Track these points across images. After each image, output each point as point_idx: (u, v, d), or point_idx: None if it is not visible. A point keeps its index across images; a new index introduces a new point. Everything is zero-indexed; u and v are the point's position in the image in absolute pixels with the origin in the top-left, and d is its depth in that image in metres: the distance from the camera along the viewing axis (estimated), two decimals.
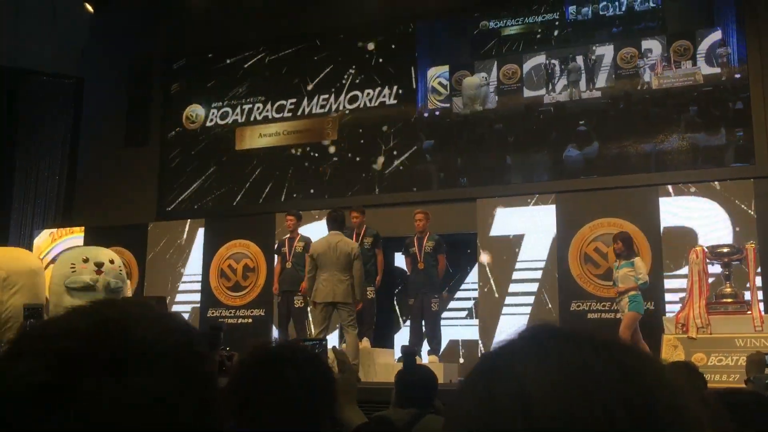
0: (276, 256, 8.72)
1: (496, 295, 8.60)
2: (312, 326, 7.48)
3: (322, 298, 7.09)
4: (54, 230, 11.19)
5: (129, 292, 6.70)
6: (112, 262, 6.17)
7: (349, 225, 8.32)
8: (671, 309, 7.61)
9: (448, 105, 10.17)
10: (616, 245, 7.28)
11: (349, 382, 1.76)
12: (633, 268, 7.12)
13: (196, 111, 11.66)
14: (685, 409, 0.56)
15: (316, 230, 9.14)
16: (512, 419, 0.54)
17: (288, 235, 8.58)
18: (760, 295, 6.97)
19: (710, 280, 6.99)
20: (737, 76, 8.91)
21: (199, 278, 10.10)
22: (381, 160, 10.29)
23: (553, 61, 9.75)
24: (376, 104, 10.54)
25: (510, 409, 0.55)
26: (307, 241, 8.47)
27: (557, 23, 9.86)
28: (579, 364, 0.56)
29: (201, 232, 10.20)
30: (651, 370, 0.58)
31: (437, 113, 10.25)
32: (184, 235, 10.34)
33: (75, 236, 10.84)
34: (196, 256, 10.19)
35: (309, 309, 7.79)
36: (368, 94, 10.60)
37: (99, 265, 6.04)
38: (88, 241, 10.19)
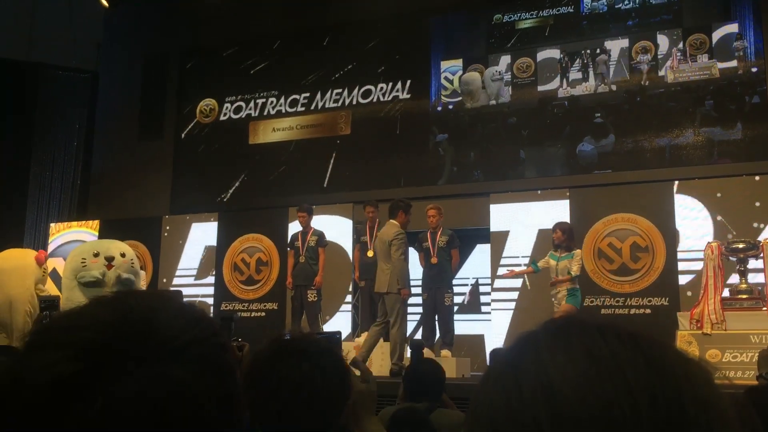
0: (289, 249, 8.74)
1: (507, 291, 8.57)
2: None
3: (375, 288, 7.37)
4: (59, 224, 11.28)
5: (142, 285, 6.74)
6: (123, 255, 6.18)
7: (364, 218, 8.37)
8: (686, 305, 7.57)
9: (454, 100, 10.16)
10: (556, 235, 7.21)
11: (371, 394, 1.76)
12: (571, 260, 7.07)
13: (209, 105, 11.70)
14: (712, 403, 0.56)
15: (329, 224, 9.16)
16: (537, 409, 0.54)
17: (301, 229, 8.59)
18: None
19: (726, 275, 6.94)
20: (754, 70, 8.83)
21: (213, 271, 10.14)
22: (394, 154, 10.28)
23: (566, 55, 9.69)
24: (390, 98, 10.53)
25: (534, 400, 0.55)
26: (320, 235, 8.48)
27: (572, 16, 9.80)
28: (604, 354, 0.56)
29: (214, 225, 10.23)
30: (678, 362, 0.57)
31: (450, 107, 10.22)
32: (198, 229, 10.38)
33: (73, 230, 10.96)
34: (210, 250, 10.23)
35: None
36: (381, 88, 10.59)
37: (109, 260, 6.06)
38: (103, 234, 10.26)
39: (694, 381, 0.56)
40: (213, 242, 10.19)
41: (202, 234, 10.29)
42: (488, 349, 8.76)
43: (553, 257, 7.25)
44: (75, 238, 10.82)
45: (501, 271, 8.49)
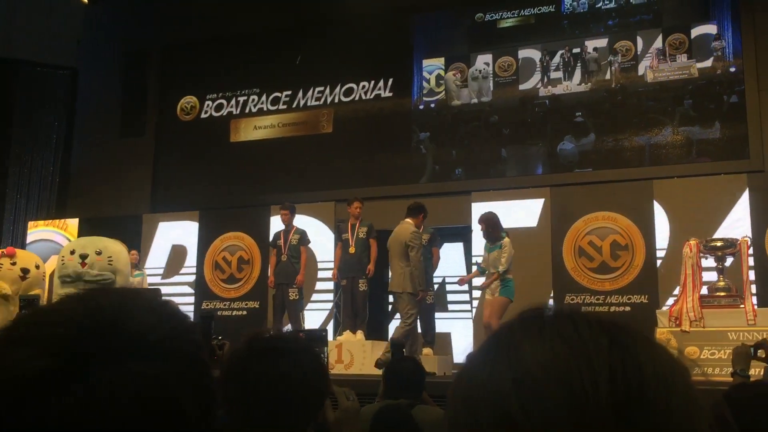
0: (271, 248, 8.71)
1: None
2: None
3: (390, 287, 7.31)
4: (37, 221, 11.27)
5: (124, 283, 6.70)
6: (99, 253, 6.18)
7: (346, 216, 8.36)
8: (665, 303, 7.64)
9: (435, 98, 10.19)
10: (480, 227, 7.22)
11: (355, 411, 1.76)
12: (500, 251, 7.03)
13: (191, 103, 11.63)
14: (674, 386, 0.57)
15: (311, 223, 9.15)
16: (503, 385, 0.56)
17: (283, 228, 8.57)
18: (753, 288, 7.00)
19: (704, 273, 7.00)
20: (732, 69, 8.92)
21: (194, 270, 10.09)
22: (376, 152, 10.28)
23: (547, 54, 9.74)
24: (372, 96, 10.52)
25: (504, 385, 0.56)
26: (302, 234, 8.46)
27: (553, 16, 9.85)
28: (572, 336, 0.58)
29: (196, 224, 10.18)
30: (644, 345, 0.59)
31: (432, 105, 10.24)
32: (179, 227, 10.32)
33: (40, 230, 10.97)
34: (191, 249, 10.18)
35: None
36: (363, 86, 10.58)
37: (83, 257, 6.09)
38: (82, 232, 10.20)
39: (658, 361, 0.57)
40: (194, 240, 10.13)
41: (183, 232, 10.23)
42: (455, 347, 8.84)
43: (486, 249, 7.27)
44: (43, 237, 10.85)
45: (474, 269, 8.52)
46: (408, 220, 7.40)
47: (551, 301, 8.30)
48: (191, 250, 10.19)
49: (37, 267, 7.07)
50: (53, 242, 10.73)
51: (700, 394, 0.59)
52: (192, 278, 10.08)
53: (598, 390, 0.54)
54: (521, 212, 8.63)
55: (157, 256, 10.29)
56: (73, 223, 10.92)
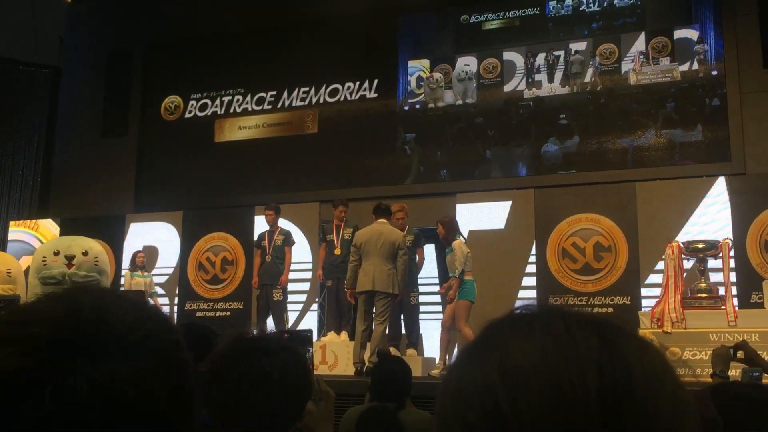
0: (255, 249, 8.69)
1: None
2: (357, 322, 7.19)
3: (361, 287, 7.03)
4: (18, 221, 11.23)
5: (108, 283, 6.63)
6: (85, 254, 6.04)
7: (331, 216, 8.35)
8: (647, 304, 7.69)
9: (418, 99, 10.21)
10: (438, 230, 7.22)
11: (327, 412, 1.75)
12: (453, 254, 7.02)
13: (174, 102, 11.57)
14: (663, 385, 0.57)
15: (296, 223, 9.12)
16: (492, 377, 0.56)
17: (268, 229, 8.55)
18: (734, 290, 7.06)
19: (685, 275, 7.06)
20: (714, 73, 9.01)
21: (177, 271, 10.04)
22: (361, 153, 10.27)
23: (531, 56, 9.79)
24: (357, 97, 10.52)
25: (491, 370, 0.57)
26: (287, 235, 8.44)
27: (538, 18, 9.90)
28: (562, 333, 0.58)
29: (179, 224, 10.13)
30: (633, 344, 0.59)
31: (417, 107, 10.26)
32: (162, 228, 10.26)
33: (12, 230, 10.95)
34: (174, 249, 10.12)
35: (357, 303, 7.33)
36: (348, 87, 10.58)
37: (69, 258, 5.93)
38: (65, 232, 10.11)
39: (647, 360, 0.58)
40: (177, 241, 10.08)
41: (166, 233, 10.18)
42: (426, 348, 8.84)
43: (447, 252, 7.24)
44: (14, 237, 10.82)
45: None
46: (384, 220, 7.34)
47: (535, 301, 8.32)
48: (170, 250, 10.12)
49: (9, 274, 6.94)
50: (24, 243, 10.67)
51: (689, 395, 0.59)
52: (164, 279, 10.01)
53: (587, 386, 0.54)
54: (505, 213, 8.66)
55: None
56: (45, 223, 10.84)
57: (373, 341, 6.99)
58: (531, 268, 8.49)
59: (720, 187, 8.06)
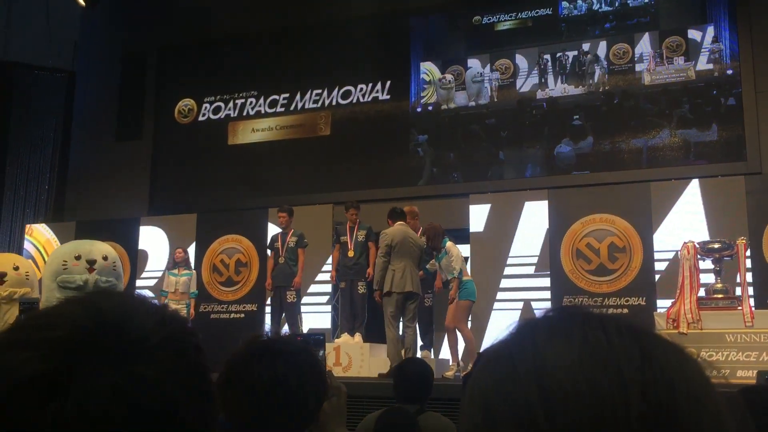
0: (269, 251, 8.71)
1: (488, 291, 8.60)
2: (387, 319, 7.16)
3: (399, 288, 7.05)
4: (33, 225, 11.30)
5: (122, 288, 6.65)
6: (105, 258, 6.05)
7: (344, 218, 8.37)
8: (662, 305, 7.64)
9: (431, 101, 10.22)
10: (426, 239, 7.30)
11: (340, 408, 1.75)
12: (448, 256, 7.18)
13: (188, 105, 11.63)
14: (705, 403, 0.56)
15: (309, 225, 9.14)
16: (529, 390, 0.55)
17: (281, 231, 8.57)
18: (750, 290, 7.00)
19: (701, 275, 7.01)
20: (729, 72, 8.94)
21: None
22: (374, 155, 10.28)
23: (544, 57, 9.77)
24: (369, 99, 10.53)
25: (528, 381, 0.55)
26: (299, 236, 8.46)
27: (550, 18, 9.87)
28: (602, 343, 0.56)
29: (193, 227, 10.17)
30: (675, 359, 0.57)
31: (430, 108, 10.25)
32: (177, 230, 10.31)
33: None
34: (189, 251, 10.15)
35: (383, 300, 7.30)
36: (361, 89, 10.59)
37: (91, 263, 5.91)
38: (80, 235, 10.16)
39: (690, 379, 0.56)
40: (192, 243, 10.12)
41: (182, 235, 10.22)
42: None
43: (437, 259, 7.39)
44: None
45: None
46: (404, 223, 7.40)
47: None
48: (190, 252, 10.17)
49: (16, 268, 6.99)
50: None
51: (727, 410, 0.57)
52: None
53: (629, 408, 0.53)
54: (519, 215, 8.63)
55: (156, 258, 10.27)
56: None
57: (407, 344, 7.04)
58: (545, 269, 8.45)
59: (736, 187, 7.99)
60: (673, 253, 7.55)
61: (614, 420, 0.53)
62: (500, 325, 7.69)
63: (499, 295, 8.55)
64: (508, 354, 0.59)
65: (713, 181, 8.24)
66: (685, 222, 7.97)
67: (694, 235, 7.71)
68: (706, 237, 7.49)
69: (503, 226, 8.69)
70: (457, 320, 7.08)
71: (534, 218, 8.59)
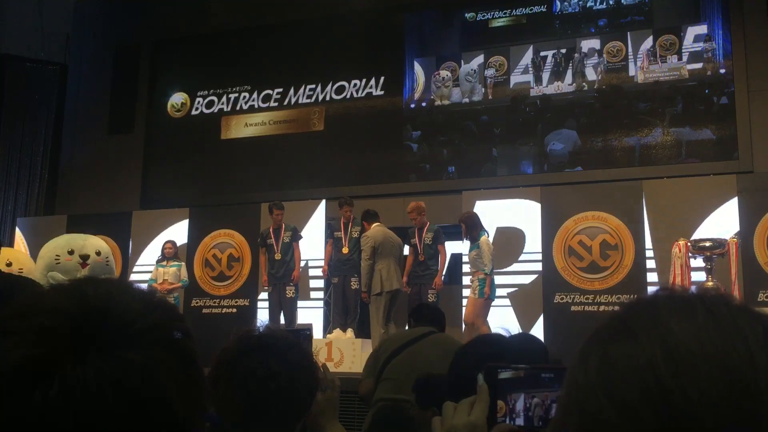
0: (261, 247, 8.68)
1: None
2: (377, 318, 7.38)
3: (390, 286, 7.36)
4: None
5: None
6: (98, 253, 6.03)
7: (337, 214, 8.36)
8: None
9: (425, 97, 10.22)
10: (462, 226, 7.36)
11: (332, 400, 1.75)
12: (479, 250, 7.20)
13: (181, 99, 11.59)
14: None
15: (302, 220, 9.13)
16: (656, 367, 0.55)
17: (273, 226, 8.55)
18: (741, 288, 7.03)
19: (692, 273, 7.04)
20: (722, 71, 8.97)
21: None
22: (367, 150, 10.27)
23: (538, 54, 9.77)
24: (363, 95, 10.52)
25: (651, 347, 0.55)
26: (293, 231, 8.45)
27: (545, 15, 9.87)
28: (725, 315, 0.57)
29: (185, 221, 10.14)
30: None
31: (424, 104, 10.25)
32: (168, 224, 10.28)
33: None
34: (181, 246, 10.12)
35: (372, 299, 7.57)
36: (355, 84, 10.57)
37: (84, 258, 5.89)
38: (71, 228, 10.12)
39: None
40: (184, 238, 10.09)
41: (173, 229, 10.18)
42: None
43: (470, 248, 7.46)
44: None
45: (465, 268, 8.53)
46: (380, 223, 7.67)
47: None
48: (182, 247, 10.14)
49: (9, 264, 6.95)
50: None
51: None
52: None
53: (757, 372, 0.53)
54: (511, 211, 8.64)
55: (148, 253, 10.23)
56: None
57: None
58: (537, 266, 8.46)
59: (728, 185, 8.02)
60: (665, 251, 7.58)
61: (743, 383, 0.53)
62: (494, 323, 7.70)
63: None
64: (626, 323, 0.59)
65: (705, 180, 8.26)
66: (676, 220, 8.00)
67: (685, 233, 7.75)
68: (697, 235, 7.52)
69: (495, 223, 8.69)
70: (476, 316, 7.13)
71: (526, 215, 8.60)
